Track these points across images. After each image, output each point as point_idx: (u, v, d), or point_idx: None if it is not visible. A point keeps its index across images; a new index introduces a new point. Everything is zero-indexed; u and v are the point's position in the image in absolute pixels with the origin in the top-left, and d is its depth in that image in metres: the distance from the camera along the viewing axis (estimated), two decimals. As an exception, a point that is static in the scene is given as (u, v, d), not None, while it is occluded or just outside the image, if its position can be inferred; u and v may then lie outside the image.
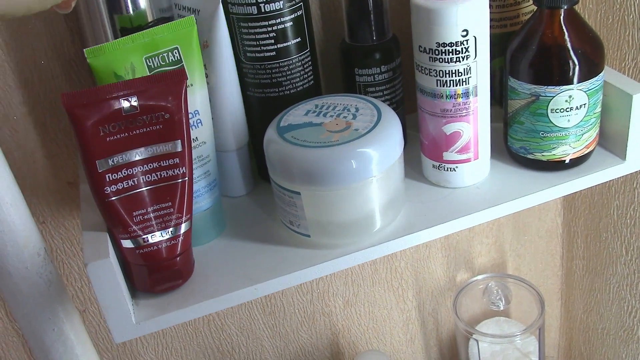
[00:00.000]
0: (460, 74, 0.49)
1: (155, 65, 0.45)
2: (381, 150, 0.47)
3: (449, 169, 0.53)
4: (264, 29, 0.50)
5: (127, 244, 0.44)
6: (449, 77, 0.49)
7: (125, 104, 0.41)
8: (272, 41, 0.51)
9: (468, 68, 0.49)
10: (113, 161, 0.42)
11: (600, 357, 0.80)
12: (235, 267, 0.49)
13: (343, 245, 0.49)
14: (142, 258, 0.45)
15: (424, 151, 0.54)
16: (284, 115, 0.51)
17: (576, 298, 0.82)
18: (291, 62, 0.52)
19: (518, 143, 0.54)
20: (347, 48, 0.56)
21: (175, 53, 0.45)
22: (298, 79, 0.53)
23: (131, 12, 0.47)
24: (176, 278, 0.47)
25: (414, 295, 0.77)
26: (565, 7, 0.49)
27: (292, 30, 0.51)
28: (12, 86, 0.53)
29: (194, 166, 0.47)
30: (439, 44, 0.48)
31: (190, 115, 0.46)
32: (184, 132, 0.43)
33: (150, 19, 0.49)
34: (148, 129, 0.42)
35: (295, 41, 0.51)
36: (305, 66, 0.53)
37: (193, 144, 0.47)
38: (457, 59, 0.48)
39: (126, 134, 0.42)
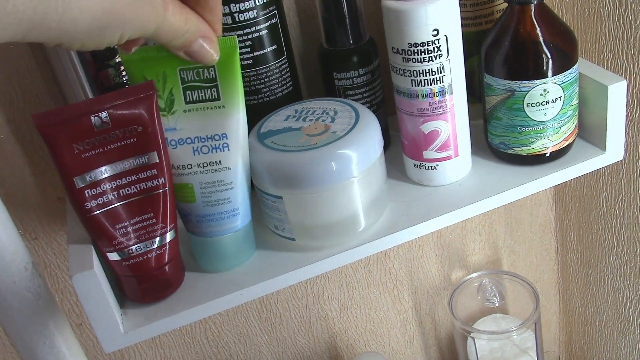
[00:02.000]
0: (433, 73, 0.50)
1: (189, 79, 0.45)
2: (360, 150, 0.47)
3: (429, 167, 0.54)
4: (240, 38, 0.51)
5: (113, 256, 0.45)
6: (423, 76, 0.50)
7: (96, 120, 0.42)
8: (248, 49, 0.52)
9: (441, 67, 0.49)
10: (90, 177, 0.43)
11: (600, 350, 0.80)
12: (222, 273, 0.50)
13: (328, 247, 0.50)
14: (129, 269, 0.46)
15: (404, 151, 0.55)
16: (264, 121, 0.51)
17: (573, 292, 0.82)
18: (268, 69, 0.53)
19: (497, 139, 0.55)
20: (325, 53, 0.57)
21: (211, 71, 0.45)
22: (277, 86, 0.54)
23: None
24: (166, 287, 0.48)
25: (410, 295, 0.77)
26: (535, 2, 0.50)
27: (267, 37, 0.52)
28: (-2, 107, 0.54)
29: (212, 189, 0.47)
30: (410, 45, 0.49)
31: (216, 138, 0.46)
32: (159, 143, 0.44)
33: None
34: (122, 142, 0.43)
35: (271, 48, 0.52)
36: (283, 73, 0.54)
37: (214, 167, 0.46)
38: (430, 58, 0.49)
39: (101, 149, 0.43)
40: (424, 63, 0.49)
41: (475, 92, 0.57)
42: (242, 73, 0.52)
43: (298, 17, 0.59)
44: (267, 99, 0.54)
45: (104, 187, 0.44)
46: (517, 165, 0.55)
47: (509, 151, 0.54)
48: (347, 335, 0.77)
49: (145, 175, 0.44)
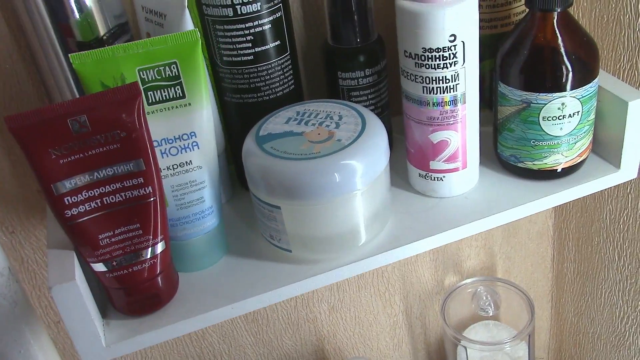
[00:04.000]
0: (447, 81, 0.46)
1: (150, 79, 0.42)
2: (366, 162, 0.44)
3: (436, 179, 0.51)
4: (241, 32, 0.47)
5: (97, 267, 0.42)
6: (436, 83, 0.47)
7: (73, 124, 0.38)
8: (250, 45, 0.48)
9: (456, 74, 0.46)
10: (71, 183, 0.39)
11: (591, 361, 0.79)
12: (213, 285, 0.47)
13: (326, 260, 0.47)
14: (116, 281, 0.42)
15: (410, 159, 0.52)
16: (264, 123, 0.48)
17: (567, 301, 0.80)
18: (270, 66, 0.49)
19: (508, 151, 0.52)
20: (329, 50, 0.53)
21: (173, 68, 0.42)
22: (278, 84, 0.50)
23: (77, 16, 0.44)
24: (156, 301, 0.45)
25: (401, 299, 0.75)
26: (559, 10, 0.47)
27: (270, 33, 0.48)
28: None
29: (185, 191, 0.45)
30: (425, 49, 0.45)
31: (185, 137, 0.44)
32: (147, 150, 0.41)
33: (101, 25, 0.45)
34: (104, 148, 0.40)
35: (274, 44, 0.49)
36: (285, 70, 0.50)
37: (185, 168, 0.44)
38: (445, 65, 0.46)
39: (81, 155, 0.39)
40: (438, 70, 0.46)
41: (485, 99, 0.54)
42: (242, 70, 0.49)
43: (302, 9, 0.56)
44: (267, 97, 0.50)
45: (85, 195, 0.40)
46: (527, 179, 0.52)
47: (519, 164, 0.52)
48: (335, 338, 0.74)
49: (131, 184, 0.41)
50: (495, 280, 0.75)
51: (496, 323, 0.78)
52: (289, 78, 0.51)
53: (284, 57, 0.50)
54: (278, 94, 0.51)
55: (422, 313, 0.77)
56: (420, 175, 0.51)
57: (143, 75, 0.42)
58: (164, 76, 0.42)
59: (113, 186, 0.41)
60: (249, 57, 0.48)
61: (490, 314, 0.72)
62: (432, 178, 0.51)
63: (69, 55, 0.41)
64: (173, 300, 0.46)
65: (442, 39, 0.45)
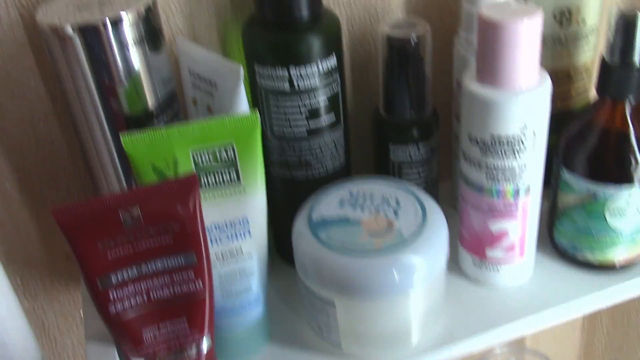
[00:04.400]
0: (514, 171, 0.44)
1: (204, 163, 0.39)
2: (427, 259, 0.41)
3: (491, 268, 0.48)
4: (296, 106, 0.45)
5: (139, 362, 0.39)
6: (502, 173, 0.44)
7: (126, 216, 0.35)
8: (304, 119, 0.45)
9: (523, 165, 0.44)
10: (117, 278, 0.36)
11: None
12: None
13: (376, 357, 0.44)
14: (157, 378, 0.39)
15: (463, 243, 0.49)
16: (315, 203, 0.45)
17: (595, 372, 0.77)
18: (323, 141, 0.46)
19: (567, 240, 0.49)
20: (381, 121, 0.50)
21: (230, 151, 0.39)
22: (329, 160, 0.47)
23: (125, 82, 0.41)
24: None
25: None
26: (634, 103, 0.44)
27: (326, 106, 0.45)
28: (2, 151, 0.47)
29: (233, 280, 0.42)
30: (493, 137, 0.43)
31: (237, 224, 0.41)
32: (200, 244, 0.38)
33: (150, 94, 0.42)
34: (156, 241, 0.37)
35: (329, 119, 0.46)
36: (337, 145, 0.47)
37: (235, 258, 0.41)
38: (513, 155, 0.43)
39: (130, 248, 0.36)
40: (505, 159, 0.43)
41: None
42: (293, 144, 0.46)
43: (352, 75, 0.53)
44: (318, 174, 0.47)
45: (132, 289, 0.37)
46: (584, 271, 0.49)
47: (578, 256, 0.49)
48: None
49: (181, 278, 0.38)
50: (524, 351, 0.73)
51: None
52: (341, 153, 0.48)
53: (337, 132, 0.47)
54: (329, 171, 0.48)
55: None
56: (474, 263, 0.49)
57: (197, 158, 0.39)
58: (219, 160, 0.39)
59: (162, 280, 0.38)
60: (303, 131, 0.46)
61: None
62: (488, 267, 0.48)
63: (120, 135, 0.38)
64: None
65: (513, 127, 0.42)
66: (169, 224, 0.36)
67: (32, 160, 0.48)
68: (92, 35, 0.39)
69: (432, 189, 0.52)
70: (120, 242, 0.36)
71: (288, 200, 0.48)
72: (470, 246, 0.48)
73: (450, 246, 0.50)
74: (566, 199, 0.48)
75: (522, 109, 0.42)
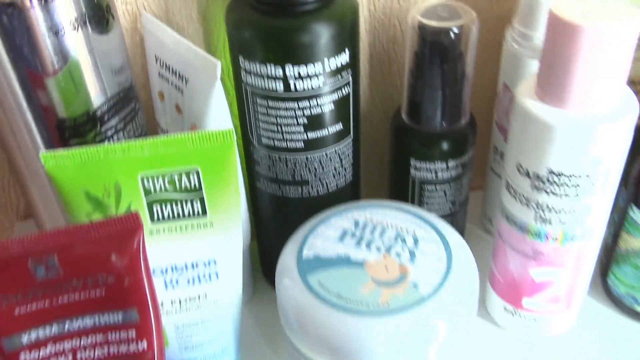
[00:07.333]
0: (572, 214, 0.33)
1: (157, 190, 0.29)
2: (451, 324, 0.32)
3: (526, 318, 0.39)
4: (291, 113, 0.34)
5: None
6: (556, 214, 0.33)
7: (37, 269, 0.26)
8: (301, 129, 0.34)
9: (587, 207, 0.33)
10: (30, 336, 0.27)
11: None
12: None
13: None
14: None
15: (494, 287, 0.39)
16: (309, 234, 0.35)
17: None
18: (325, 155, 0.36)
19: (625, 288, 0.39)
20: (403, 129, 0.39)
21: (193, 177, 0.29)
22: (332, 177, 0.37)
23: (57, 74, 0.30)
24: None
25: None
26: None
27: (332, 114, 0.34)
28: None
29: (194, 331, 0.33)
30: (552, 172, 0.32)
31: (200, 265, 0.31)
32: (145, 298, 0.28)
33: (95, 90, 0.32)
34: (82, 295, 0.27)
35: (334, 128, 0.35)
36: (343, 159, 0.37)
37: (196, 303, 0.32)
38: (575, 194, 0.33)
39: (47, 303, 0.27)
40: (564, 198, 0.33)
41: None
42: (286, 157, 0.35)
43: (369, 67, 0.42)
44: (315, 193, 0.37)
45: (51, 350, 0.28)
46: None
47: (636, 307, 0.39)
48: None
49: (119, 338, 0.29)
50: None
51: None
52: (347, 169, 0.37)
53: (344, 143, 0.36)
54: (330, 190, 0.37)
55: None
56: (506, 309, 0.39)
57: (147, 184, 0.29)
58: (177, 187, 0.29)
59: (92, 339, 0.28)
60: (298, 144, 0.35)
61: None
62: (522, 317, 0.39)
63: (40, 154, 0.27)
64: None
65: (582, 162, 0.31)
66: (100, 274, 0.27)
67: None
68: (10, 16, 0.28)
69: (460, 212, 0.42)
70: (32, 297, 0.26)
71: (278, 219, 0.38)
72: (503, 291, 0.39)
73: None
74: (630, 241, 0.37)
75: (597, 140, 0.31)
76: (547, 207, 0.33)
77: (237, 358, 0.36)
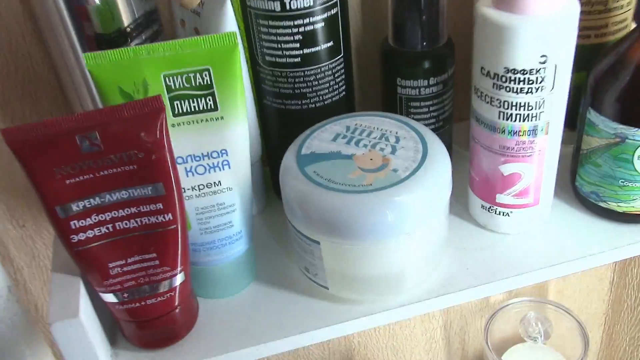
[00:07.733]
0: (530, 108, 0.39)
1: (176, 87, 0.36)
2: (425, 200, 0.37)
3: (501, 213, 0.44)
4: (288, 30, 0.40)
5: (107, 297, 0.37)
6: (516, 110, 0.39)
7: (83, 142, 0.32)
8: (298, 45, 0.41)
9: (541, 101, 0.39)
10: (78, 206, 0.34)
11: (642, 396, 0.72)
12: (238, 318, 0.41)
13: (366, 301, 0.41)
14: (127, 314, 0.37)
15: (472, 187, 0.45)
16: (307, 137, 0.41)
17: (622, 329, 0.73)
18: (319, 70, 0.42)
19: (589, 187, 0.44)
20: (389, 52, 0.46)
21: (205, 75, 0.36)
22: (326, 91, 0.43)
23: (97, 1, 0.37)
24: (171, 336, 0.39)
25: (441, 313, 0.69)
26: (677, 32, 0.38)
27: (323, 32, 0.41)
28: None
29: (211, 214, 0.39)
30: (508, 70, 0.38)
31: (214, 155, 0.38)
32: (168, 173, 0.35)
33: (126, 13, 0.39)
34: (119, 169, 0.34)
35: (326, 45, 0.42)
36: (336, 75, 0.43)
37: (212, 189, 0.38)
38: (530, 90, 0.38)
39: (91, 176, 0.33)
40: (521, 94, 0.38)
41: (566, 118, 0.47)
42: (286, 73, 0.42)
43: (360, 1, 0.48)
44: (313, 105, 0.43)
45: (95, 219, 0.35)
46: (606, 221, 0.45)
47: (601, 204, 0.44)
48: (366, 349, 0.69)
49: (148, 209, 0.35)
50: (546, 303, 0.69)
51: (542, 346, 0.71)
52: (340, 84, 0.44)
53: (336, 61, 0.43)
54: (326, 102, 0.44)
55: (462, 329, 0.71)
56: (483, 207, 0.45)
57: (169, 82, 0.36)
58: (193, 84, 0.36)
59: (127, 211, 0.35)
60: (296, 59, 0.41)
61: (539, 343, 0.66)
62: (497, 212, 0.44)
63: (83, 54, 0.34)
64: (191, 332, 0.41)
65: (531, 59, 0.37)
66: (132, 150, 0.33)
67: (12, 83, 0.45)
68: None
69: (444, 129, 0.48)
70: (79, 170, 0.33)
71: (282, 134, 0.45)
72: (479, 190, 0.44)
73: (461, 191, 0.46)
74: (591, 141, 0.43)
75: (542, 37, 0.36)
76: (508, 103, 0.39)
77: (250, 246, 0.43)
